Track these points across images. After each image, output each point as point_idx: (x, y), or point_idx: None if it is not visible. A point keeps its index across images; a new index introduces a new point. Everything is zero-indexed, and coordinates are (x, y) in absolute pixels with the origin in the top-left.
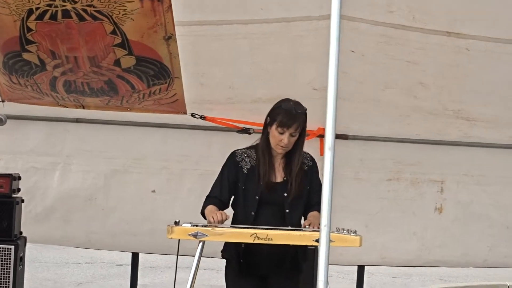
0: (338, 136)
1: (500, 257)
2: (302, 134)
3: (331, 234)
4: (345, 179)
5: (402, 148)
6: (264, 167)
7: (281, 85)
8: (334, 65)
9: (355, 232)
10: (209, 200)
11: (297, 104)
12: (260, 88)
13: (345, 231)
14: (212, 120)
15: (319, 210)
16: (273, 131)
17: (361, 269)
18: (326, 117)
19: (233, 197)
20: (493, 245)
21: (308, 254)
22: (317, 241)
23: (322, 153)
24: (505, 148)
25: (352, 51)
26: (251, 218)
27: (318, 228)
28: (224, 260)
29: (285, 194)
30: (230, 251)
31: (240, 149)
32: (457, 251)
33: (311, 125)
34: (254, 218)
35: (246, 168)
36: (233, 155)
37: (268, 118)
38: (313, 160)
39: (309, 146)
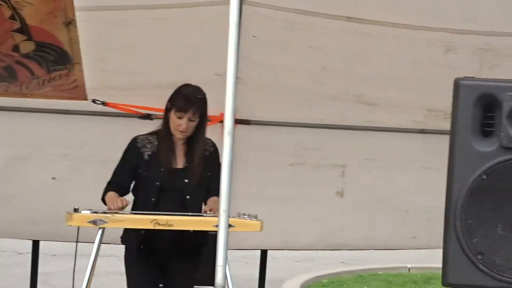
0: (240, 121)
1: (401, 240)
2: (203, 120)
3: (232, 219)
4: (248, 164)
5: (305, 133)
6: (165, 153)
7: (183, 70)
8: (233, 50)
9: (255, 217)
10: (110, 185)
11: (197, 89)
12: (163, 74)
13: (246, 216)
14: (114, 106)
15: (219, 195)
16: (172, 116)
17: (264, 253)
18: (226, 102)
19: (133, 183)
20: (394, 228)
21: (208, 239)
22: (217, 226)
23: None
24: (406, 133)
25: (254, 36)
26: (151, 205)
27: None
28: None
29: (186, 181)
30: (130, 237)
31: (141, 135)
32: (358, 234)
33: (213, 111)
34: (155, 205)
35: (147, 154)
36: (134, 141)
37: (169, 103)
38: (214, 146)
39: (212, 132)
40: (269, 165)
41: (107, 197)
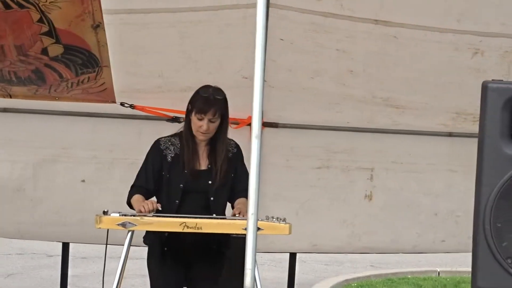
0: (268, 125)
1: (429, 243)
2: (224, 120)
3: (260, 222)
4: (276, 167)
5: (332, 136)
6: (188, 155)
7: (210, 73)
8: (260, 53)
9: (284, 220)
10: (134, 189)
11: (216, 90)
12: (189, 77)
13: (274, 219)
14: (142, 109)
15: (246, 196)
16: (193, 118)
17: (293, 256)
18: (253, 105)
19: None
20: (422, 231)
21: (231, 242)
22: (246, 229)
23: None
24: (433, 136)
25: (281, 39)
26: (175, 207)
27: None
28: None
29: (210, 182)
30: (153, 237)
31: (164, 137)
32: (387, 237)
33: (241, 114)
34: (178, 207)
35: (170, 156)
36: (157, 143)
37: (189, 105)
38: (237, 147)
39: (240, 135)
40: (297, 168)
41: (134, 200)
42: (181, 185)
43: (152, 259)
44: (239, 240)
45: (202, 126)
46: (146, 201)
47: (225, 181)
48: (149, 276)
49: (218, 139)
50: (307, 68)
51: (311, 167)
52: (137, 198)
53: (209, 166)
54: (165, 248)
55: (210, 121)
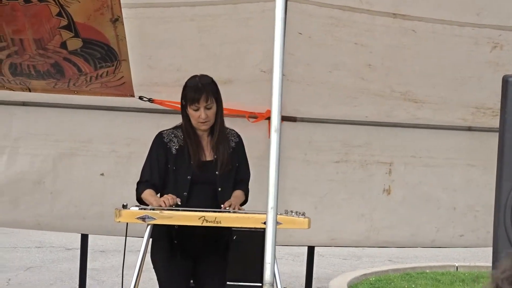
0: (286, 118)
1: (448, 238)
2: (218, 105)
3: (279, 216)
4: (294, 161)
5: (350, 130)
6: (193, 147)
7: (229, 67)
8: (279, 46)
9: (303, 214)
10: (142, 185)
11: (202, 76)
12: (208, 71)
13: (293, 213)
14: (160, 103)
15: (243, 188)
16: (190, 110)
17: (311, 250)
18: (272, 99)
19: None
20: (441, 226)
21: (233, 235)
22: (265, 223)
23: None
24: (452, 130)
25: (300, 33)
26: (184, 199)
27: (239, 209)
28: None
29: (217, 172)
30: (159, 230)
31: (167, 130)
32: (405, 232)
33: (260, 108)
34: (187, 198)
35: (175, 148)
36: (159, 136)
37: (182, 100)
38: (239, 137)
39: (258, 129)
40: (315, 162)
41: (146, 195)
42: (189, 177)
43: (159, 253)
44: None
45: (200, 116)
46: (166, 196)
47: (231, 170)
48: (154, 270)
49: (216, 125)
50: (325, 62)
51: (329, 161)
52: (149, 193)
53: (215, 156)
54: (174, 241)
55: (206, 108)
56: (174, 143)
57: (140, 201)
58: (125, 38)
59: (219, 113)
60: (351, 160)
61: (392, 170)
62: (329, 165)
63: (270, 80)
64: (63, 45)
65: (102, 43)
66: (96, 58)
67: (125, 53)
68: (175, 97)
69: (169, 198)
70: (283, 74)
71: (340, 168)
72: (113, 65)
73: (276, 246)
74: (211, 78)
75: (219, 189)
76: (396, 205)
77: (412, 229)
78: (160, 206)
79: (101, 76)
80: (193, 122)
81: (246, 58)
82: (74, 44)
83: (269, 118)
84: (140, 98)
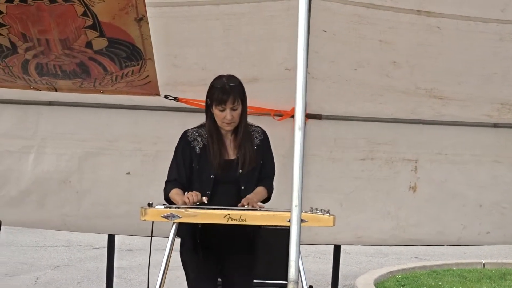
0: (311, 116)
1: (474, 235)
2: (244, 105)
3: (304, 214)
4: (319, 159)
5: (375, 128)
6: (216, 145)
7: (253, 66)
8: (303, 44)
9: (328, 211)
10: (169, 184)
11: (230, 77)
12: (233, 69)
13: (318, 211)
14: (186, 101)
15: (265, 185)
16: (215, 110)
17: (337, 248)
18: (296, 97)
19: None
20: (467, 223)
21: (260, 232)
22: (289, 221)
23: None
24: (478, 127)
25: (324, 31)
26: (207, 198)
27: (257, 206)
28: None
29: (240, 171)
30: (185, 229)
31: (191, 129)
32: (431, 229)
33: (284, 106)
34: (210, 197)
35: (199, 147)
36: (184, 135)
37: (207, 99)
38: (264, 133)
39: (284, 127)
40: (340, 160)
41: (173, 194)
42: (212, 176)
43: (185, 252)
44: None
45: (226, 117)
46: (190, 192)
47: (254, 168)
48: (184, 269)
49: (240, 125)
50: (350, 59)
51: (354, 159)
52: (176, 192)
53: (238, 155)
54: (198, 240)
55: (232, 109)
56: (198, 142)
57: (168, 200)
58: (149, 37)
59: (243, 114)
60: (377, 157)
61: (417, 168)
62: (354, 162)
63: (295, 78)
64: (89, 44)
65: (127, 43)
66: (122, 57)
67: (150, 52)
68: (200, 95)
69: (193, 195)
70: (307, 72)
71: (366, 166)
72: (138, 64)
73: (302, 245)
74: (239, 80)
75: (242, 187)
76: (422, 202)
77: (439, 226)
78: (185, 203)
79: (126, 75)
80: (218, 122)
81: (271, 56)
82: (100, 43)
83: (294, 116)
84: (166, 97)
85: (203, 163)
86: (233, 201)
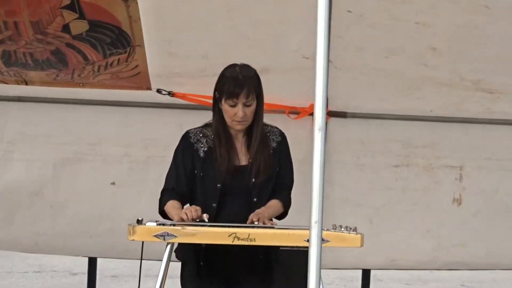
0: (334, 114)
1: None
2: (260, 102)
3: (326, 232)
4: (344, 165)
5: (412, 128)
6: (224, 148)
7: (264, 53)
8: (323, 28)
9: (355, 229)
10: (166, 194)
11: (244, 67)
12: (239, 58)
13: (342, 229)
14: (182, 96)
15: (281, 197)
16: (224, 105)
17: (366, 273)
18: (315, 91)
19: None
20: None
21: (280, 255)
22: (308, 241)
23: None
24: None
25: (349, 11)
26: (213, 211)
27: (269, 222)
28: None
29: (253, 180)
30: (186, 250)
31: (194, 128)
32: (480, 250)
33: (302, 102)
34: (217, 211)
35: (203, 150)
36: (186, 136)
37: (216, 92)
38: (282, 135)
39: (301, 127)
40: (370, 167)
41: (169, 207)
42: (218, 185)
43: (187, 278)
44: (292, 253)
45: (237, 114)
46: (189, 207)
47: (270, 177)
48: None
49: (255, 125)
50: (380, 46)
51: (387, 166)
52: (172, 204)
53: (250, 160)
54: (201, 263)
55: (245, 105)
56: (202, 144)
57: (163, 214)
58: (139, 19)
59: (259, 112)
60: (413, 164)
61: (463, 176)
62: (386, 170)
63: (314, 68)
64: (66, 28)
65: (112, 26)
66: (105, 43)
67: (140, 37)
68: (200, 89)
69: (192, 210)
70: (329, 61)
71: (400, 174)
72: (125, 52)
73: (324, 269)
74: (254, 70)
75: (255, 199)
76: (468, 218)
77: (489, 247)
78: (182, 219)
79: (111, 65)
80: (227, 119)
81: (285, 42)
82: (79, 27)
83: (313, 114)
84: (158, 91)
85: (208, 169)
86: (244, 216)
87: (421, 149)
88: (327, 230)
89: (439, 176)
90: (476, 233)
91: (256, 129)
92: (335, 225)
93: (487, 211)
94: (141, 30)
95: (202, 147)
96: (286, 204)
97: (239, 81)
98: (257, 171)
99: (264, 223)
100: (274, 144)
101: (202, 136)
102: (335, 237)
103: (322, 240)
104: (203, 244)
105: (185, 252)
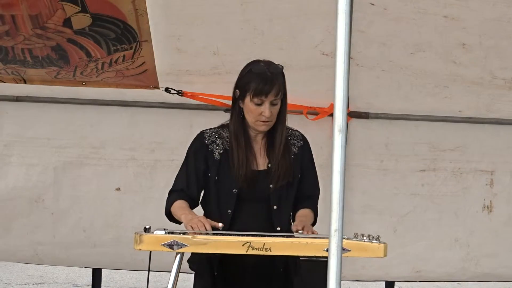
0: (355, 115)
1: None
2: (285, 101)
3: (346, 241)
4: (366, 170)
5: (439, 129)
6: (241, 152)
7: (280, 49)
8: (344, 22)
9: (378, 238)
10: (173, 195)
11: (270, 63)
12: (254, 54)
13: (365, 238)
14: (192, 96)
15: (311, 207)
16: (248, 104)
17: (389, 286)
18: (335, 90)
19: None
20: None
21: (299, 267)
22: (327, 250)
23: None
24: None
25: (372, 4)
26: (228, 218)
27: (314, 232)
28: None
29: (271, 186)
30: (200, 260)
31: (210, 129)
32: None
33: (321, 101)
34: (232, 218)
35: (218, 152)
36: (200, 136)
37: (237, 90)
38: (304, 139)
39: (320, 129)
40: (394, 171)
41: (176, 208)
42: (235, 190)
43: (200, 287)
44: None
45: (263, 113)
46: (198, 218)
47: (290, 183)
48: None
49: (279, 127)
50: (406, 42)
51: (412, 170)
52: (179, 205)
53: (269, 165)
54: (215, 273)
55: (272, 104)
56: (217, 146)
57: (170, 216)
58: (146, 13)
59: (284, 112)
60: (441, 168)
61: (494, 181)
62: (412, 175)
63: (334, 65)
64: (67, 22)
65: (117, 20)
66: (110, 39)
67: (147, 32)
68: (211, 88)
69: (198, 225)
70: (350, 58)
71: (427, 179)
72: (131, 48)
73: (344, 281)
74: (281, 67)
75: (274, 207)
76: (500, 226)
77: None
78: (191, 227)
79: (116, 62)
80: (250, 119)
81: (303, 38)
82: (81, 21)
83: (332, 115)
84: (167, 90)
85: (224, 173)
86: (262, 224)
87: (449, 153)
88: (348, 239)
89: (469, 181)
90: (507, 242)
91: (280, 131)
92: (356, 233)
93: None
94: (147, 24)
95: (217, 149)
96: (316, 213)
97: (268, 78)
98: (277, 176)
99: (312, 233)
100: (295, 149)
101: (218, 137)
102: (356, 246)
103: (343, 249)
104: (218, 253)
105: (198, 262)
